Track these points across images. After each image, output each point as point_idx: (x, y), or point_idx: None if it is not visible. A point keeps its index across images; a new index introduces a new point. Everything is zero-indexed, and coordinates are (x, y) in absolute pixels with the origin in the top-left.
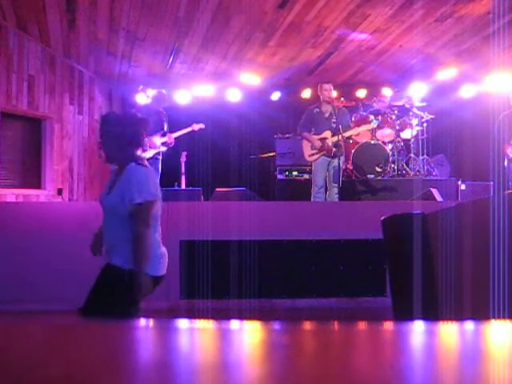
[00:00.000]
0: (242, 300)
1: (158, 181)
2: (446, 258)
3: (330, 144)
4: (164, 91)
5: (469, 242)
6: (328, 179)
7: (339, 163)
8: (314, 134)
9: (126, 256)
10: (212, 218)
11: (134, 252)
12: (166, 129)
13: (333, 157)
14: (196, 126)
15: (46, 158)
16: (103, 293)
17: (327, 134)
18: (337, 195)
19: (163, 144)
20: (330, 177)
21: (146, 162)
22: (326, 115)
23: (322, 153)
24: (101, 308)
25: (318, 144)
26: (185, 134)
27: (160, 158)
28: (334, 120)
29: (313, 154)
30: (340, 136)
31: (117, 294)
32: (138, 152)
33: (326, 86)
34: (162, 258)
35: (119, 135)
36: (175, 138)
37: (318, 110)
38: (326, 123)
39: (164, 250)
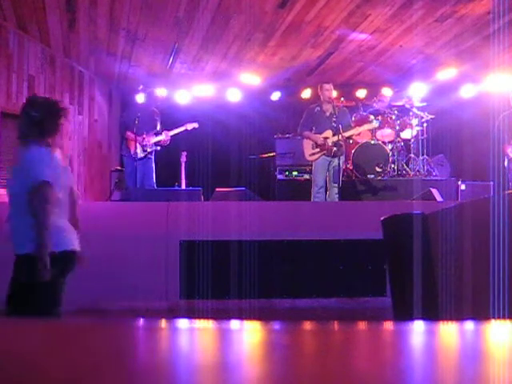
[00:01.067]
0: (242, 300)
1: (154, 179)
2: (446, 258)
3: (331, 143)
4: (156, 90)
5: (469, 241)
6: (328, 179)
7: (339, 163)
8: (315, 134)
9: (25, 243)
10: (212, 218)
11: (35, 231)
12: (158, 128)
13: (333, 156)
14: (189, 126)
15: None
16: (14, 285)
17: (328, 133)
18: (337, 195)
19: (157, 143)
20: (330, 177)
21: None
22: (327, 114)
23: (322, 152)
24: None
25: (321, 142)
26: (180, 134)
27: (152, 157)
28: (335, 119)
29: (313, 154)
30: (340, 136)
31: (24, 282)
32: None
33: (327, 86)
34: (62, 233)
35: (36, 121)
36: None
37: (318, 108)
38: (327, 122)
39: (64, 223)
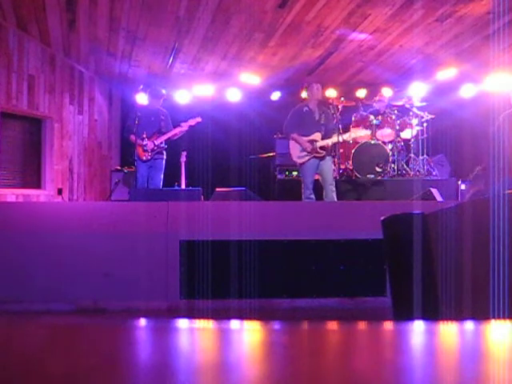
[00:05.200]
0: (242, 300)
1: (161, 180)
2: (446, 258)
3: (319, 146)
4: (163, 90)
5: (469, 242)
6: (322, 179)
7: (331, 163)
8: (303, 136)
9: None
10: (212, 218)
11: None
12: (164, 128)
13: (322, 158)
14: (192, 121)
15: (46, 158)
16: None
17: (317, 136)
18: (333, 193)
19: (167, 141)
20: (323, 177)
21: None
22: (316, 116)
23: (311, 155)
24: None
25: (308, 147)
26: (173, 136)
27: (162, 157)
28: (323, 122)
29: (301, 157)
30: (331, 141)
31: None
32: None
33: (317, 86)
34: None
35: None
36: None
37: (307, 108)
38: (316, 124)
39: None
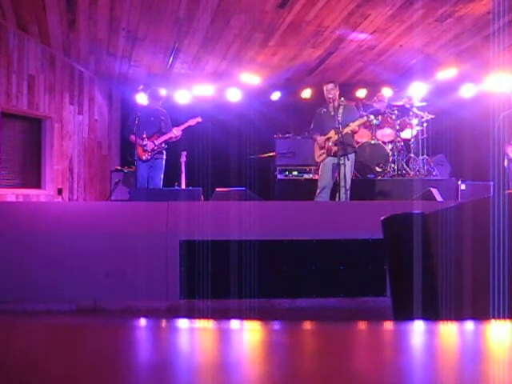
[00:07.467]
0: (242, 300)
1: (161, 180)
2: (446, 258)
3: (331, 143)
4: (158, 89)
5: (469, 241)
6: (338, 180)
7: (345, 163)
8: (323, 135)
9: None
10: (212, 218)
11: None
12: (164, 128)
13: (337, 156)
14: (192, 121)
15: (46, 158)
16: None
17: (331, 133)
18: (344, 195)
19: (166, 142)
20: (339, 178)
21: None
22: (332, 114)
23: (325, 153)
24: None
25: (322, 143)
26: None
27: (162, 157)
28: (339, 118)
29: (320, 155)
30: (339, 134)
31: None
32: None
33: (326, 87)
34: None
35: None
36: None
37: (325, 109)
38: (331, 122)
39: None
